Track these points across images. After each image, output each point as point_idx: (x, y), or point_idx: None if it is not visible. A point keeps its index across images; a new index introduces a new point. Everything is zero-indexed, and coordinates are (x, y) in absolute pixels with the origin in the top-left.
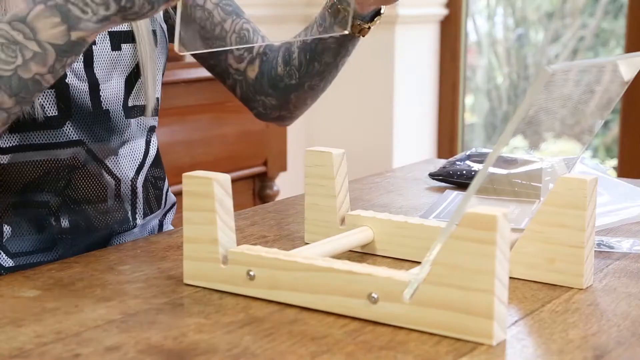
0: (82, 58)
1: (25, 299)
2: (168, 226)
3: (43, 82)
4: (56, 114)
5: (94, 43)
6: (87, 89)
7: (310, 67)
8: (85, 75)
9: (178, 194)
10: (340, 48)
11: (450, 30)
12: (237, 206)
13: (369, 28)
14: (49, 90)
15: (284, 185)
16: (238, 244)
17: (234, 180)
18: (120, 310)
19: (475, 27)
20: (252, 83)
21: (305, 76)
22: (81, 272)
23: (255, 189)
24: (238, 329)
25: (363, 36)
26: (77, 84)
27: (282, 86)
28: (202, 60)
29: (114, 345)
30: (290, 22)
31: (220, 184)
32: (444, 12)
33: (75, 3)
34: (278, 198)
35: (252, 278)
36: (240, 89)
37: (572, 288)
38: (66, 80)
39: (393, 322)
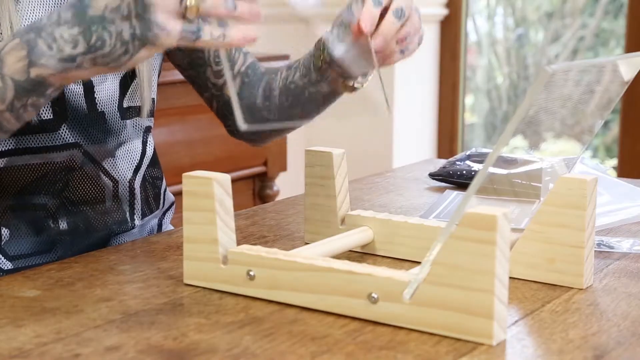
0: None
1: (25, 299)
2: (167, 226)
3: (2, 120)
4: (51, 117)
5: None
6: (82, 92)
7: (291, 111)
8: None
9: (178, 194)
10: (325, 101)
11: (450, 30)
12: (237, 206)
13: (361, 86)
14: None
15: (284, 185)
16: (238, 244)
17: (234, 180)
18: (120, 310)
19: (475, 27)
20: (228, 101)
21: (284, 116)
22: (81, 272)
23: (255, 189)
24: (238, 329)
25: (350, 92)
26: (72, 86)
27: (258, 116)
28: (181, 69)
29: (113, 345)
30: (288, 22)
31: (220, 183)
32: (444, 12)
33: (45, 38)
34: (278, 198)
35: (252, 278)
36: (217, 103)
37: (572, 288)
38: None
39: (393, 322)
